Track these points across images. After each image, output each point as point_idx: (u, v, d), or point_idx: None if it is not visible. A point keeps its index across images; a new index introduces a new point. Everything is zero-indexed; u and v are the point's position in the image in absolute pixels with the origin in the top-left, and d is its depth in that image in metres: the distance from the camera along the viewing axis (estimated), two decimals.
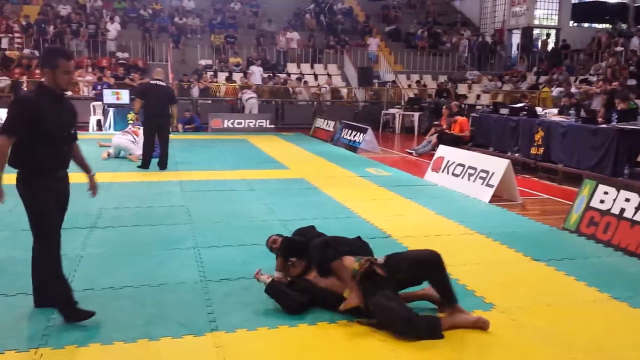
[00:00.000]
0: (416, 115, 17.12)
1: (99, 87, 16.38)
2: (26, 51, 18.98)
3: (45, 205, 3.57)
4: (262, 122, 17.08)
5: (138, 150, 9.81)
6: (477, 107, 16.58)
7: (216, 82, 18.98)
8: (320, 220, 5.98)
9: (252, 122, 17.02)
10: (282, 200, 7.28)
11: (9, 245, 5.12)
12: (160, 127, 9.20)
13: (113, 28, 20.52)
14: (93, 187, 4.01)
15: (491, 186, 7.50)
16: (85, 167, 3.98)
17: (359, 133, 13.05)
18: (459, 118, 12.55)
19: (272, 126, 17.10)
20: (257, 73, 19.52)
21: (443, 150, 9.12)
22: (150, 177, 8.75)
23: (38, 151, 3.50)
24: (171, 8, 23.29)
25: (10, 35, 19.56)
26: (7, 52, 18.71)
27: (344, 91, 20.44)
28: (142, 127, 9.41)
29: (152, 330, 3.48)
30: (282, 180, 8.80)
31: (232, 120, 16.88)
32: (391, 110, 18.32)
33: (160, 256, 4.92)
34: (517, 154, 10.31)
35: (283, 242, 4.08)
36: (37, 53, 18.99)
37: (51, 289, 3.65)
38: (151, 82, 9.60)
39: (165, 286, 4.23)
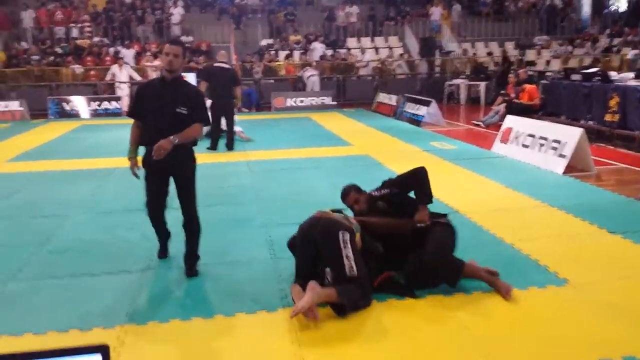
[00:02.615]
0: (482, 85, 16.64)
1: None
2: (96, 39, 19.75)
3: (146, 176, 4.12)
4: (324, 99, 17.10)
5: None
6: (547, 73, 15.92)
7: (277, 62, 19.10)
8: None
9: (314, 99, 17.08)
10: (346, 177, 7.25)
11: (92, 228, 5.41)
12: (226, 109, 9.40)
13: (177, 12, 20.98)
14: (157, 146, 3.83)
15: (564, 157, 7.24)
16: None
17: (422, 106, 12.85)
18: (528, 86, 12.10)
19: (334, 103, 17.09)
20: (318, 49, 19.48)
21: (511, 121, 8.86)
22: (219, 158, 8.99)
23: (145, 127, 4.04)
24: None
25: (80, 24, 20.39)
26: (78, 41, 19.54)
27: (398, 64, 20.02)
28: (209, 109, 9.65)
29: (228, 306, 3.63)
30: (346, 157, 8.82)
31: (294, 99, 17.00)
32: (455, 81, 17.89)
33: (232, 234, 5.09)
34: (590, 122, 9.87)
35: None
36: (106, 41, 19.74)
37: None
38: (215, 64, 9.79)
39: (238, 263, 4.39)
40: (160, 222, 4.34)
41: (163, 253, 4.52)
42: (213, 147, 9.54)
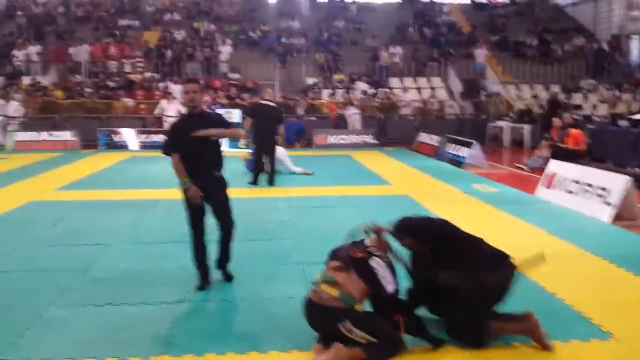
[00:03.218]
0: (526, 127, 16.45)
1: (212, 107, 17.30)
2: (147, 74, 20.50)
3: (188, 204, 4.53)
4: (365, 138, 17.21)
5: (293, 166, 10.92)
6: (594, 118, 15.65)
7: (320, 99, 19.38)
8: None
9: (355, 137, 17.20)
10: (385, 217, 7.20)
11: (132, 257, 5.54)
12: (269, 146, 9.57)
13: (225, 50, 21.64)
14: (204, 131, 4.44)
15: (610, 204, 7.04)
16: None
17: (464, 147, 12.77)
18: (573, 130, 11.90)
19: (376, 141, 17.15)
20: (361, 88, 19.71)
21: (556, 165, 8.70)
22: (260, 193, 9.10)
23: (184, 158, 4.42)
24: (279, 29, 24.15)
25: (133, 60, 21.25)
26: (130, 76, 20.33)
27: (449, 104, 20.05)
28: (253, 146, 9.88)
29: (262, 343, 3.64)
30: (385, 196, 8.80)
31: (335, 136, 17.15)
32: (499, 123, 17.74)
33: (270, 270, 5.13)
34: (637, 169, 9.61)
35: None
36: (156, 76, 20.46)
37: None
38: (261, 102, 10.02)
39: (274, 300, 4.41)
40: (202, 246, 4.63)
41: (203, 284, 4.58)
42: (254, 181, 9.69)
